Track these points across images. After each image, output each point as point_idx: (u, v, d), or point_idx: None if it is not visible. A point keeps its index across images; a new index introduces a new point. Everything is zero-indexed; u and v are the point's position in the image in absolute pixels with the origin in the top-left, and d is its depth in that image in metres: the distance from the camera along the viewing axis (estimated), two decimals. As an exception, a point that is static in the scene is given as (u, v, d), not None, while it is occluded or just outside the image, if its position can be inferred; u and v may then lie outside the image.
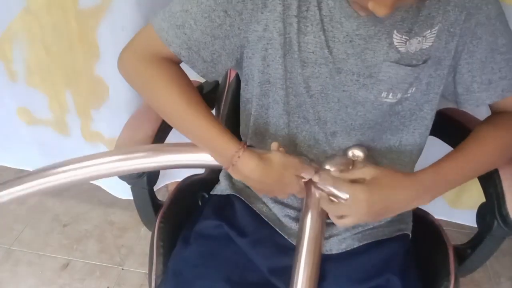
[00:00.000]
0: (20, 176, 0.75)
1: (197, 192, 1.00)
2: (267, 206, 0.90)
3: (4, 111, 1.39)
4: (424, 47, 0.73)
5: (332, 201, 0.73)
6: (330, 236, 0.86)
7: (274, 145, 0.74)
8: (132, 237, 1.66)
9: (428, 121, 0.83)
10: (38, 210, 1.76)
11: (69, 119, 1.37)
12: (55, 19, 1.13)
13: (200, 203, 0.98)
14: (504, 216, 0.79)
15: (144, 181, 0.88)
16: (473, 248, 0.88)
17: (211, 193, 0.97)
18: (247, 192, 0.92)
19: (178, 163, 0.79)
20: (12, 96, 1.35)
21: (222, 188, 0.95)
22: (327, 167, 0.78)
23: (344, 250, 0.86)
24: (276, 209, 0.89)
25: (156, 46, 0.75)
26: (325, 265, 0.81)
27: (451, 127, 0.97)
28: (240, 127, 0.92)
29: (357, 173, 0.73)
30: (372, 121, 0.80)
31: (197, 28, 0.73)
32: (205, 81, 1.04)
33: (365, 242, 0.86)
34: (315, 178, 0.74)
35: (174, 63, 0.77)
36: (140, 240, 1.65)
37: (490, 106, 0.84)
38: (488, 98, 0.79)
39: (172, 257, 0.88)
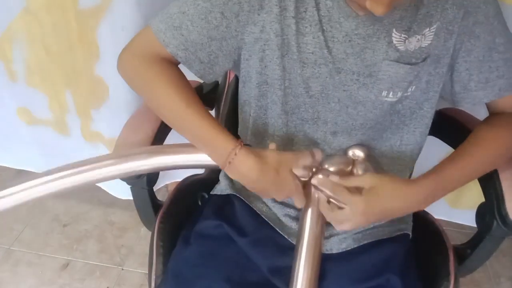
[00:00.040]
0: (17, 182, 0.75)
1: (197, 192, 1.00)
2: (267, 205, 0.90)
3: (4, 111, 1.39)
4: (423, 45, 0.74)
5: (330, 202, 0.74)
6: (331, 236, 0.86)
7: (272, 146, 0.75)
8: (132, 237, 1.66)
9: (428, 120, 0.83)
10: (38, 210, 1.76)
11: (69, 119, 1.37)
12: (55, 19, 1.13)
13: (200, 203, 0.98)
14: (503, 216, 0.79)
15: (144, 181, 0.88)
16: (472, 248, 0.88)
17: (211, 193, 0.97)
18: (247, 192, 0.92)
19: (177, 164, 0.79)
20: (12, 96, 1.35)
21: (222, 188, 0.96)
22: (327, 166, 0.78)
23: (344, 250, 0.86)
24: (276, 209, 0.89)
25: (154, 47, 0.76)
26: (325, 264, 0.81)
27: (451, 127, 0.98)
28: (238, 128, 0.92)
29: (356, 181, 0.73)
30: (372, 121, 0.80)
31: (194, 29, 0.73)
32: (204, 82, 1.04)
33: (365, 242, 0.86)
34: (314, 181, 0.74)
35: (172, 64, 0.77)
36: (140, 240, 1.65)
37: (488, 106, 0.84)
38: (485, 96, 0.79)
39: (172, 257, 0.88)
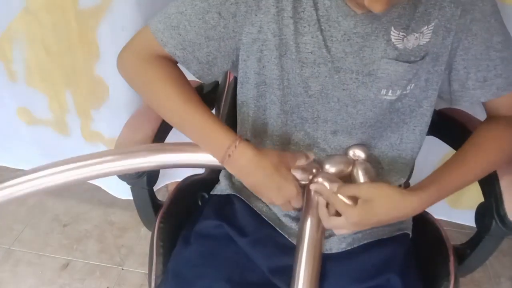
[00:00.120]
0: (15, 176, 0.75)
1: (197, 192, 1.00)
2: (267, 205, 0.90)
3: (4, 111, 1.39)
4: (421, 43, 0.74)
5: (329, 205, 0.75)
6: (330, 236, 0.86)
7: (269, 147, 0.75)
8: (132, 237, 1.66)
9: (428, 118, 0.83)
10: (38, 210, 1.76)
11: (69, 119, 1.37)
12: (55, 19, 1.13)
13: (200, 203, 0.98)
14: (502, 216, 0.79)
15: (144, 181, 0.88)
16: (472, 248, 0.88)
17: (211, 193, 0.97)
18: (247, 192, 0.92)
19: (176, 163, 0.79)
20: (12, 96, 1.35)
21: (222, 188, 0.96)
22: (327, 166, 0.79)
23: (344, 250, 0.86)
24: (276, 209, 0.89)
25: (153, 46, 0.76)
26: (326, 264, 0.81)
27: (451, 126, 0.98)
28: (237, 129, 0.92)
29: (353, 190, 0.73)
30: (372, 119, 0.80)
31: (191, 29, 0.74)
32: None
33: (365, 242, 0.86)
34: (312, 187, 0.75)
35: (171, 62, 0.78)
36: (140, 240, 1.65)
37: (485, 107, 0.84)
38: (482, 95, 0.79)
39: (172, 257, 0.88)
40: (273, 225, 0.88)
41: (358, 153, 0.81)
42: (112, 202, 1.67)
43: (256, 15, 0.73)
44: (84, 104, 1.31)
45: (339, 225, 0.74)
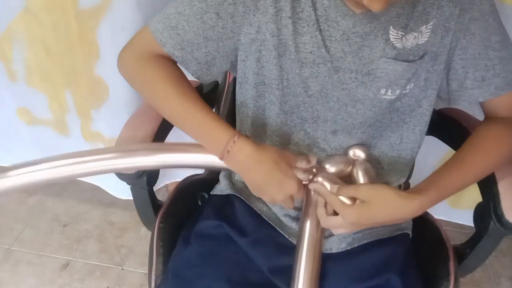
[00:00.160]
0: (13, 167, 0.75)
1: (197, 192, 1.00)
2: (267, 205, 0.90)
3: (4, 111, 1.39)
4: (420, 43, 0.74)
5: (327, 205, 0.75)
6: (330, 235, 0.86)
7: None
8: (132, 237, 1.66)
9: (427, 117, 0.83)
10: (38, 210, 1.76)
11: (69, 119, 1.37)
12: (55, 19, 1.13)
13: (200, 203, 0.98)
14: (499, 216, 0.79)
15: (144, 181, 0.88)
16: (471, 248, 0.88)
17: (211, 193, 0.97)
18: (247, 192, 0.92)
19: (176, 163, 0.79)
20: (12, 96, 1.35)
21: (222, 188, 0.96)
22: (327, 166, 0.79)
23: (344, 249, 0.86)
24: (276, 209, 0.89)
25: (152, 46, 0.77)
26: (326, 264, 0.81)
27: (450, 127, 0.98)
28: (236, 129, 0.92)
29: (351, 192, 0.72)
30: (372, 119, 0.80)
31: (189, 29, 0.74)
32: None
33: (365, 241, 0.86)
34: (311, 186, 0.75)
35: (171, 61, 0.78)
36: (140, 240, 1.65)
37: (483, 108, 0.83)
38: (480, 95, 0.79)
39: (172, 257, 0.88)
40: (273, 225, 0.88)
41: (358, 153, 0.81)
42: (112, 202, 1.67)
43: (254, 16, 0.74)
44: (84, 104, 1.31)
45: (336, 224, 0.74)
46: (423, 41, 0.74)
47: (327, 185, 0.74)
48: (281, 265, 0.81)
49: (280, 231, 0.88)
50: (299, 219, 0.80)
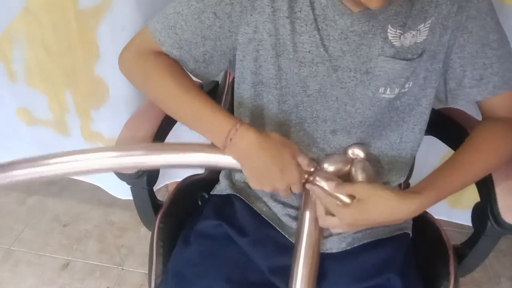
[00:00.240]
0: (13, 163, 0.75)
1: (197, 192, 1.00)
2: (267, 205, 0.90)
3: (4, 111, 1.39)
4: (418, 41, 0.74)
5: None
6: (330, 235, 0.86)
7: None
8: (132, 237, 1.66)
9: (427, 116, 0.83)
10: (38, 210, 1.76)
11: (69, 119, 1.37)
12: (55, 19, 1.13)
13: (200, 203, 0.98)
14: (495, 216, 0.79)
15: (144, 181, 0.88)
16: (470, 247, 0.88)
17: (211, 193, 0.97)
18: (247, 191, 0.92)
19: (175, 163, 0.79)
20: (12, 96, 1.35)
21: (222, 188, 0.96)
22: (326, 165, 0.79)
23: (344, 249, 0.86)
24: (276, 209, 0.89)
25: (152, 46, 0.78)
26: (325, 264, 0.81)
27: (450, 127, 0.97)
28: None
29: (348, 188, 0.72)
30: (371, 118, 0.80)
31: (187, 28, 0.75)
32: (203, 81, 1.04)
33: (365, 241, 0.86)
34: (308, 186, 0.74)
35: (170, 57, 0.79)
36: (140, 240, 1.65)
37: (481, 108, 0.83)
38: (479, 94, 0.79)
39: (172, 257, 0.88)
40: (273, 224, 0.88)
41: (357, 152, 0.81)
42: (112, 202, 1.67)
43: (251, 15, 0.74)
44: (84, 104, 1.31)
45: (334, 224, 0.73)
46: (422, 40, 0.74)
47: (324, 184, 0.73)
48: (281, 265, 0.81)
49: (280, 231, 0.88)
50: (298, 219, 0.80)
